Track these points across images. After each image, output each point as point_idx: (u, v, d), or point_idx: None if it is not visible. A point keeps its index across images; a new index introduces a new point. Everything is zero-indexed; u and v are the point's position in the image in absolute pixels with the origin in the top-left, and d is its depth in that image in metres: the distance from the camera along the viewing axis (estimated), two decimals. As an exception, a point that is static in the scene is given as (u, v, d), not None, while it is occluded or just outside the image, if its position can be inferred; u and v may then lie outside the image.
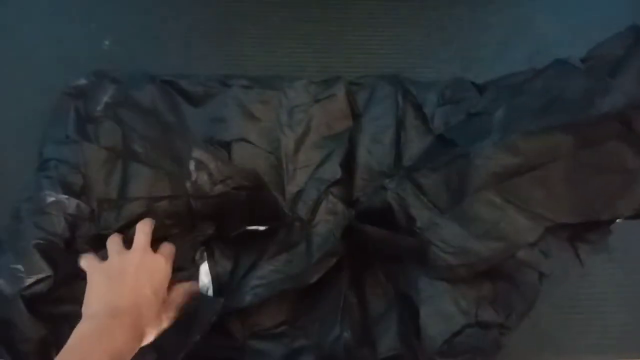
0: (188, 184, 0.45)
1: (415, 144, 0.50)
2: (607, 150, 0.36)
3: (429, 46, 0.61)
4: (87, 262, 0.42)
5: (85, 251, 0.44)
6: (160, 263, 0.42)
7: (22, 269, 0.42)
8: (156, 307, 0.39)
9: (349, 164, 0.50)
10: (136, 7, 0.61)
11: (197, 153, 0.46)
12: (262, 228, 0.48)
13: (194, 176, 0.45)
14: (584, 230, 0.40)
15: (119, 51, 0.58)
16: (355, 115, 0.52)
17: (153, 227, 0.44)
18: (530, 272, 0.41)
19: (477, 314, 0.41)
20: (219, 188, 0.45)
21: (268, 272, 0.46)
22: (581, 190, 0.37)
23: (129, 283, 0.39)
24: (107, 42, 0.59)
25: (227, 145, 0.49)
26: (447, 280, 0.41)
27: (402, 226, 0.42)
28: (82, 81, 0.51)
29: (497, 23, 0.62)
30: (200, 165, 0.46)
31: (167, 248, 0.44)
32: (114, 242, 0.43)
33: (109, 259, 0.42)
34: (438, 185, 0.41)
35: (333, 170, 0.50)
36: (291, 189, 0.50)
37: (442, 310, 0.41)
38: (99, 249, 0.45)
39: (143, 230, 0.43)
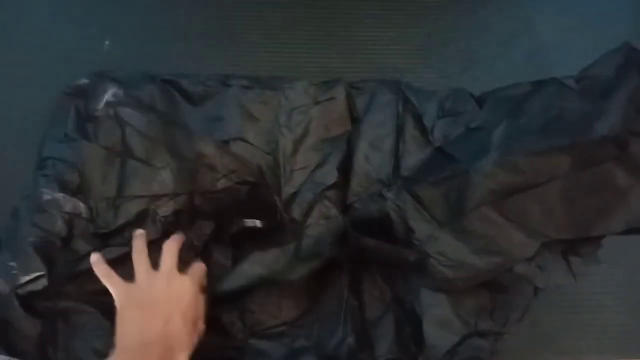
0: (191, 180, 0.45)
1: (414, 155, 0.50)
2: (602, 170, 0.37)
3: (429, 46, 0.61)
4: (113, 286, 0.41)
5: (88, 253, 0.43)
6: (188, 286, 0.41)
7: (16, 266, 0.42)
8: (186, 333, 0.39)
9: (345, 168, 0.50)
10: (136, 7, 0.61)
11: (200, 146, 0.45)
12: (258, 223, 0.48)
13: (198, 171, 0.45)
14: (576, 245, 0.41)
15: (119, 51, 0.58)
16: (354, 119, 0.52)
17: (181, 245, 0.43)
18: (527, 284, 0.42)
19: (476, 324, 0.42)
20: (223, 182, 0.45)
21: (253, 268, 0.45)
22: (576, 208, 0.39)
23: (158, 312, 0.39)
24: (107, 42, 0.59)
25: (224, 144, 0.49)
26: (446, 291, 0.42)
27: (399, 236, 0.43)
28: (83, 81, 0.51)
29: (497, 23, 0.62)
30: (203, 158, 0.45)
31: (197, 268, 0.43)
32: (141, 261, 0.42)
33: (136, 281, 0.41)
34: (437, 199, 0.42)
35: (330, 174, 0.50)
36: (287, 190, 0.50)
37: (443, 321, 0.42)
38: (98, 247, 0.44)
39: (170, 251, 0.42)
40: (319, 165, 0.50)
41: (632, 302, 0.51)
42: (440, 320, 0.42)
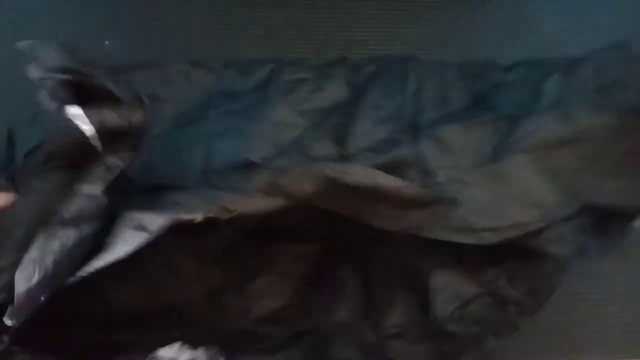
0: None
1: (431, 112, 0.46)
2: None
3: (429, 46, 0.61)
4: None
5: None
6: None
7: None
8: None
9: (344, 134, 0.47)
10: (136, 7, 0.61)
11: None
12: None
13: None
14: (606, 219, 0.39)
15: (119, 51, 0.58)
16: (356, 90, 0.51)
17: None
18: (554, 254, 0.39)
19: (493, 286, 0.40)
20: None
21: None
22: (614, 175, 0.37)
23: None
24: (107, 42, 0.59)
25: (218, 115, 0.50)
26: (459, 253, 0.40)
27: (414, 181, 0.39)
28: None
29: (497, 23, 0.62)
30: None
31: None
32: None
33: None
34: (468, 143, 0.39)
35: (319, 141, 0.47)
36: (269, 149, 0.47)
37: (453, 278, 0.41)
38: None
39: None
40: (308, 129, 0.48)
41: (633, 302, 0.51)
42: (449, 278, 0.40)
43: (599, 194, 0.37)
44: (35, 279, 0.34)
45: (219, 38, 0.60)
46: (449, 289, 0.41)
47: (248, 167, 0.45)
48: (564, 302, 0.50)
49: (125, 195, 0.43)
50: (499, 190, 0.37)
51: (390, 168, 0.38)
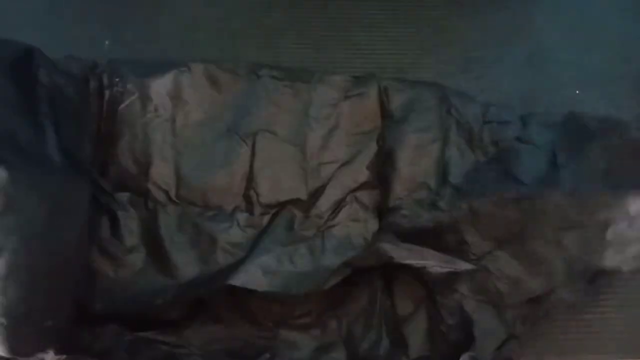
0: None
1: (460, 161, 0.49)
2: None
3: (429, 46, 0.61)
4: None
5: None
6: None
7: None
8: None
9: (384, 169, 0.49)
10: (136, 7, 0.61)
11: None
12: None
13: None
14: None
15: (119, 51, 0.58)
16: (387, 116, 0.51)
17: None
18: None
19: (513, 328, 0.44)
20: None
21: (273, 262, 0.45)
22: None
23: None
24: (107, 42, 0.59)
25: (251, 136, 0.49)
26: (491, 301, 0.45)
27: (450, 247, 0.44)
28: None
29: (497, 23, 0.62)
30: None
31: None
32: None
33: None
34: (498, 219, 0.43)
35: (360, 173, 0.49)
36: (314, 183, 0.49)
37: (488, 324, 0.44)
38: None
39: None
40: (347, 162, 0.49)
41: (633, 302, 0.51)
42: (486, 325, 0.44)
43: (593, 260, 0.43)
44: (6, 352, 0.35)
45: (218, 40, 0.60)
46: (485, 331, 0.44)
47: (295, 204, 0.48)
48: (564, 302, 0.50)
49: (165, 206, 0.48)
50: (525, 265, 0.44)
51: (432, 232, 0.44)
